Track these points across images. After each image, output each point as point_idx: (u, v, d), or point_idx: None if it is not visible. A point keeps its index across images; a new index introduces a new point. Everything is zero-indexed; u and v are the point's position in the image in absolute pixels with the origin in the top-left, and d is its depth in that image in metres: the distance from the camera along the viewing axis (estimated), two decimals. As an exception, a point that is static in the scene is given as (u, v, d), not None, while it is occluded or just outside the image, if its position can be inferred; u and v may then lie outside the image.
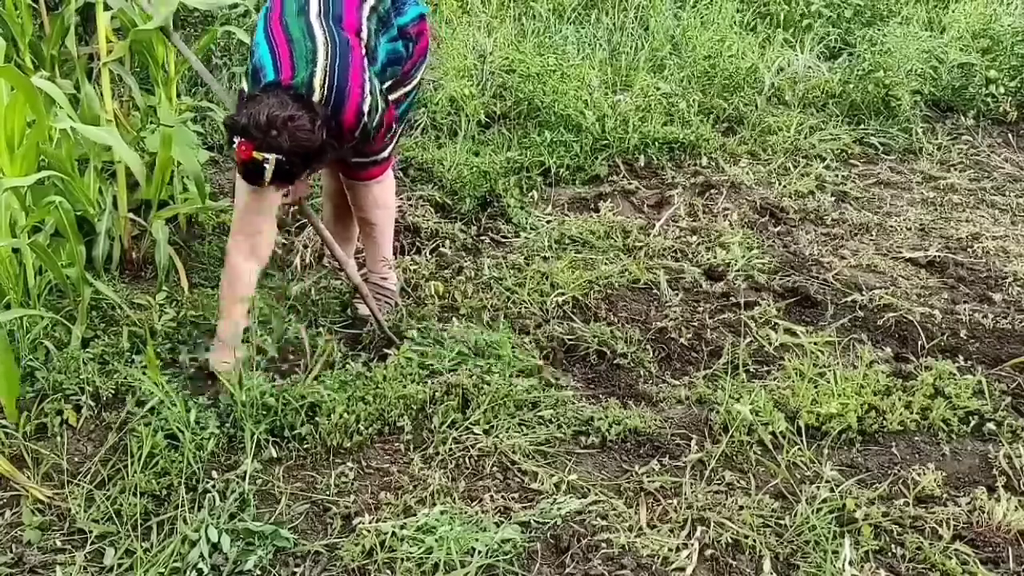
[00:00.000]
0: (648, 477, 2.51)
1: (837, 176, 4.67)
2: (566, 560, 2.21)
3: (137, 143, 3.51)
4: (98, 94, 3.23)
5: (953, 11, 6.47)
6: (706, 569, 2.23)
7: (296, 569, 2.21)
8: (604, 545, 2.24)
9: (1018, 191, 4.68)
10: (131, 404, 2.68)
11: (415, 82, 3.04)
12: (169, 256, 3.31)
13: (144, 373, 2.70)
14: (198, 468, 2.44)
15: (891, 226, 4.19)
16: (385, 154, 3.04)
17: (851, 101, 5.41)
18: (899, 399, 2.84)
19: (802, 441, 2.68)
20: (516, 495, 2.44)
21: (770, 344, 3.17)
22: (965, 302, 3.53)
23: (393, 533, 2.24)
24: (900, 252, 3.95)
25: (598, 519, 2.33)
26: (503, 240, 3.90)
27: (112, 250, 3.38)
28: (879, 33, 5.77)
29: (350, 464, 2.55)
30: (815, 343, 3.18)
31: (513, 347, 2.99)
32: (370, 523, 2.29)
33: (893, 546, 2.32)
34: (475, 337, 3.00)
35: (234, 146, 2.48)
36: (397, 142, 3.14)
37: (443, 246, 3.77)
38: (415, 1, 2.95)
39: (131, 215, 3.39)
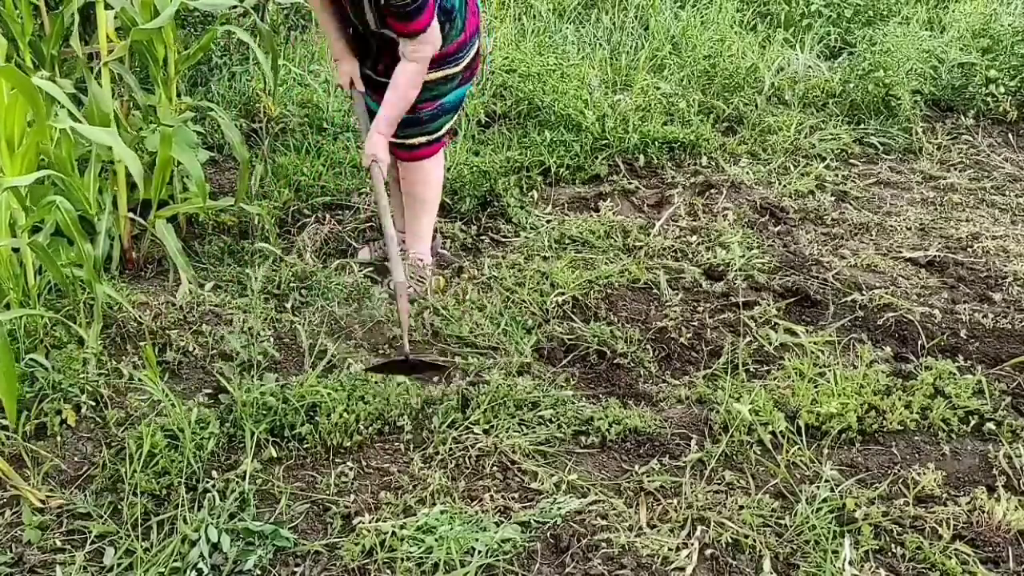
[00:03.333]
0: (648, 477, 2.51)
1: (837, 176, 4.67)
2: (566, 560, 2.21)
3: (137, 143, 3.51)
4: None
5: (953, 11, 6.47)
6: (706, 569, 2.23)
7: (296, 569, 2.21)
8: (604, 545, 2.24)
9: (1018, 191, 4.68)
10: (131, 404, 2.69)
11: (459, 68, 3.13)
12: (176, 255, 3.31)
13: (144, 373, 2.71)
14: (198, 468, 2.44)
15: (891, 226, 4.19)
16: (439, 134, 3.22)
17: (851, 101, 5.41)
18: (899, 399, 2.84)
19: (802, 441, 2.69)
20: (516, 495, 2.44)
21: (770, 344, 3.17)
22: (965, 302, 3.53)
23: (393, 533, 2.25)
24: (900, 252, 3.95)
25: (598, 519, 2.33)
26: (503, 240, 3.90)
27: (112, 250, 3.38)
28: (879, 33, 5.76)
29: (350, 464, 2.55)
30: (815, 343, 3.18)
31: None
32: (370, 523, 2.29)
33: (893, 546, 2.32)
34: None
35: None
36: (447, 129, 3.27)
37: (443, 246, 3.77)
38: None
39: (131, 215, 3.39)
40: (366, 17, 3.01)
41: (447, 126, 3.26)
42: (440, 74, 3.10)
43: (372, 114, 3.18)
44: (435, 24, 2.93)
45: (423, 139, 3.22)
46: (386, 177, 3.20)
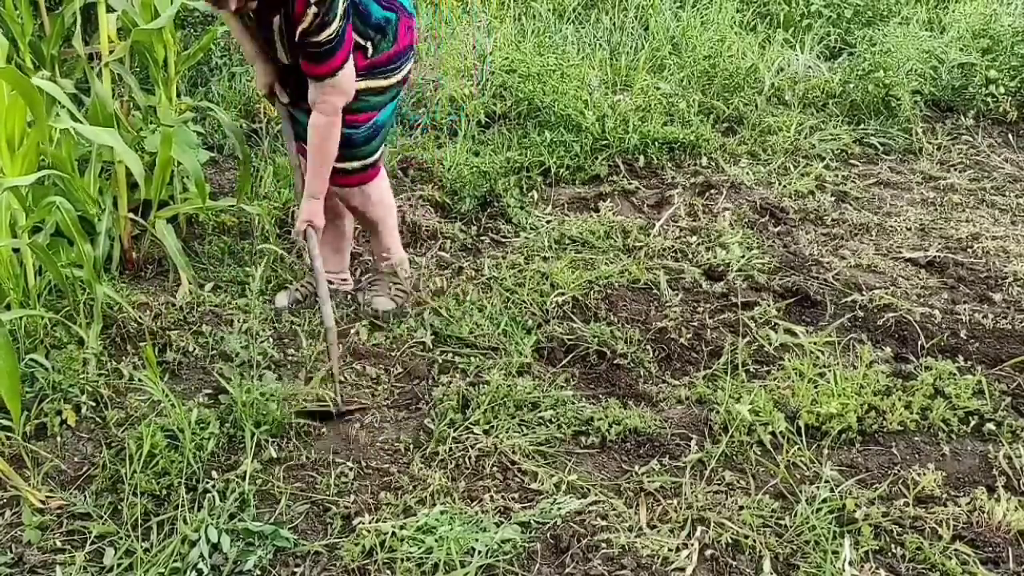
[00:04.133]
0: (648, 477, 2.51)
1: (837, 176, 4.68)
2: (566, 560, 2.21)
3: (137, 143, 3.51)
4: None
5: (953, 11, 6.47)
6: (706, 569, 2.23)
7: (296, 569, 2.21)
8: (604, 545, 2.24)
9: (1018, 191, 4.68)
10: (131, 404, 2.69)
11: (390, 81, 2.99)
12: (177, 255, 3.31)
13: (144, 373, 2.71)
14: (198, 468, 2.44)
15: (891, 226, 4.19)
16: (373, 158, 3.06)
17: (851, 101, 5.41)
18: (899, 399, 2.84)
19: (802, 441, 2.68)
20: (516, 495, 2.44)
21: (770, 344, 3.17)
22: (965, 302, 3.53)
23: (393, 533, 2.25)
24: (900, 252, 3.95)
25: (598, 519, 2.33)
26: (503, 240, 3.90)
27: (112, 250, 3.38)
28: (879, 33, 5.77)
29: (350, 464, 2.55)
30: (815, 343, 3.18)
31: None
32: (370, 523, 2.29)
33: (893, 546, 2.32)
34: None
35: None
36: (380, 153, 3.10)
37: (443, 246, 3.77)
38: None
39: (131, 215, 3.39)
40: (276, 50, 2.85)
41: (380, 149, 3.10)
42: (373, 84, 2.94)
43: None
44: (348, 70, 2.77)
45: (357, 164, 3.04)
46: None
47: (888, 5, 6.50)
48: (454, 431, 2.65)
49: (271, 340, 3.04)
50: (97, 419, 2.65)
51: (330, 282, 3.35)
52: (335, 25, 2.65)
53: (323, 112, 2.82)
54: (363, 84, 2.92)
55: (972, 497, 2.46)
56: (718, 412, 2.76)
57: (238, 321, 3.09)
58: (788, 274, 3.69)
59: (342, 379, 2.89)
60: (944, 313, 3.41)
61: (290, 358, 2.99)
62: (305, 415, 2.67)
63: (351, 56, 2.78)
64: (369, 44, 2.89)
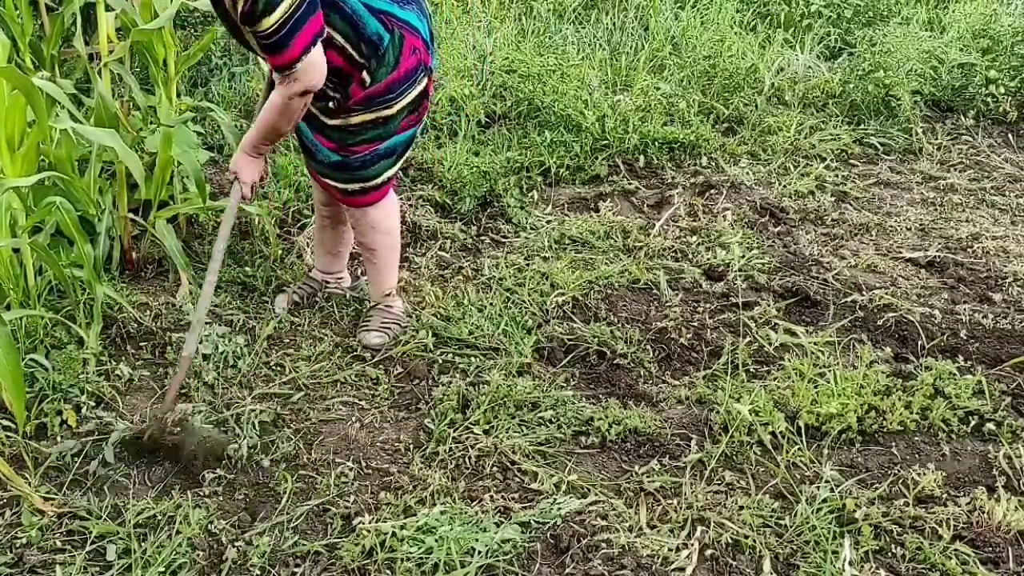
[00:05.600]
0: (648, 477, 2.51)
1: (837, 176, 4.68)
2: (566, 560, 2.21)
3: (137, 143, 3.51)
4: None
5: (953, 11, 6.48)
6: (706, 569, 2.23)
7: (296, 569, 2.21)
8: (604, 545, 2.24)
9: (1018, 191, 4.68)
10: (131, 404, 2.69)
11: (393, 111, 2.77)
12: (177, 255, 3.31)
13: (142, 372, 2.71)
14: (198, 468, 2.44)
15: (891, 226, 4.20)
16: (376, 181, 2.88)
17: (851, 101, 5.41)
18: (899, 399, 2.84)
19: (802, 441, 2.69)
20: (516, 495, 2.44)
21: (770, 344, 3.17)
22: (965, 302, 3.53)
23: (393, 533, 2.25)
24: (900, 252, 3.95)
25: (598, 519, 2.33)
26: (503, 240, 3.90)
27: (112, 250, 3.38)
28: (879, 33, 5.77)
29: (350, 464, 2.55)
30: (815, 343, 3.18)
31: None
32: (370, 523, 2.30)
33: (893, 546, 2.32)
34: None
35: None
36: (387, 176, 2.91)
37: (443, 246, 3.77)
38: (420, 13, 2.78)
39: (131, 215, 3.39)
40: (247, 41, 2.64)
41: (387, 173, 2.89)
42: (369, 116, 2.75)
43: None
44: (311, 60, 2.51)
45: (356, 186, 2.87)
46: (250, 200, 2.86)
47: (888, 5, 6.50)
48: (454, 431, 2.65)
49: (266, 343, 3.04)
50: (97, 419, 2.65)
51: (327, 283, 3.35)
52: (278, 13, 2.40)
53: (283, 96, 2.58)
54: (358, 118, 2.76)
55: (972, 497, 2.46)
56: (718, 412, 2.76)
57: (238, 321, 3.09)
58: (788, 274, 3.69)
59: (344, 380, 2.90)
60: (944, 313, 3.41)
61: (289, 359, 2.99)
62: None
63: (315, 44, 2.50)
64: (365, 72, 2.69)
